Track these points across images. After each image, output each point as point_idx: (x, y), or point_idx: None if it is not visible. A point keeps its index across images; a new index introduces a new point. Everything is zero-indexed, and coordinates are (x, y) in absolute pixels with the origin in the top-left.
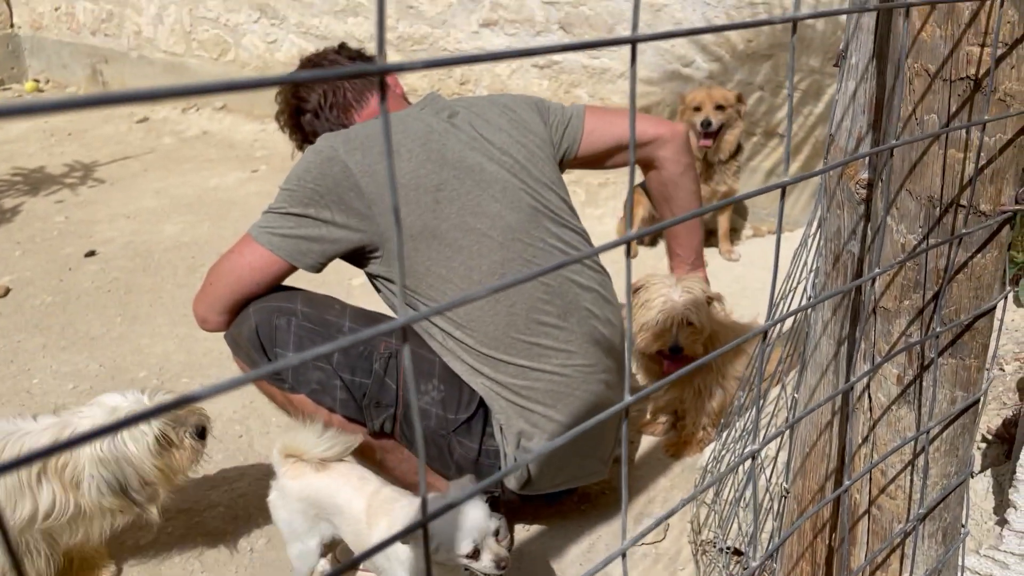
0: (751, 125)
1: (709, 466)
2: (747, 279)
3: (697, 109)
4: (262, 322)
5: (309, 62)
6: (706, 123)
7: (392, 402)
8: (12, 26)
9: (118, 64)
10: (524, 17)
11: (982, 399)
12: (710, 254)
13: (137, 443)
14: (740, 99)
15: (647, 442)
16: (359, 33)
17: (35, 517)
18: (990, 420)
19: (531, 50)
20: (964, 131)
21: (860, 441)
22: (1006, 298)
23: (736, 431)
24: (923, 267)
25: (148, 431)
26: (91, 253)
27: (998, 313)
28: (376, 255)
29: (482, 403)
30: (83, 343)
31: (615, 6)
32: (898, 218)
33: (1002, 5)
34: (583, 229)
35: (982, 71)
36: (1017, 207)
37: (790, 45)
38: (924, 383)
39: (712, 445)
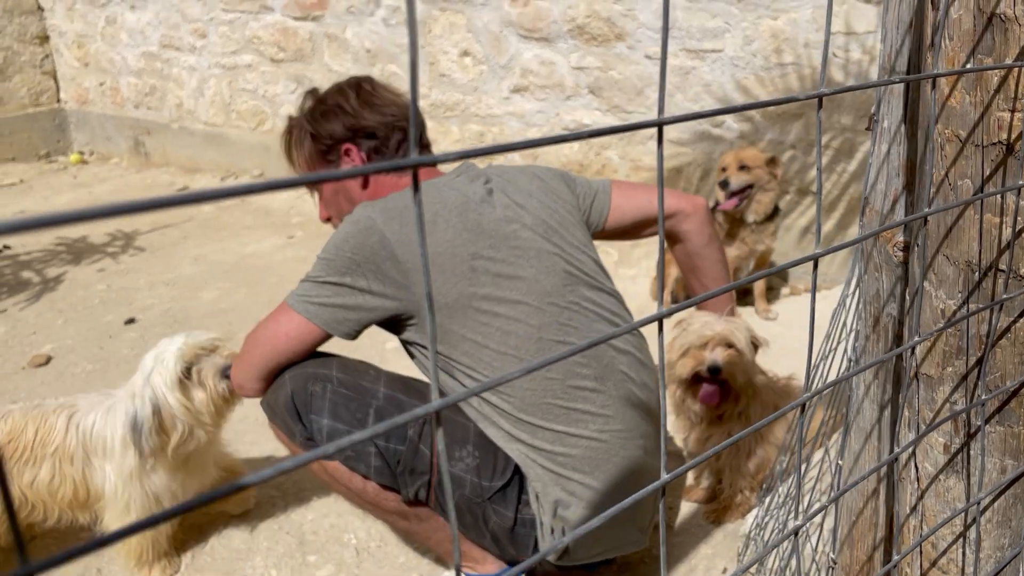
0: (784, 183)
1: (752, 533)
2: (784, 338)
3: (723, 170)
4: (297, 389)
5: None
6: (724, 183)
7: (426, 469)
8: (59, 101)
9: (160, 135)
10: (554, 82)
11: None
12: (746, 313)
13: (163, 377)
14: (774, 161)
15: (687, 507)
16: None
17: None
18: None
19: (563, 137)
20: (1001, 196)
21: (908, 512)
22: None
23: (779, 496)
24: (964, 333)
25: (173, 366)
26: (131, 320)
27: None
28: (412, 322)
29: (517, 470)
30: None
31: (643, 70)
32: (936, 283)
33: (1020, 72)
34: (617, 291)
35: (1014, 135)
36: None
37: (816, 119)
38: (972, 452)
39: (755, 511)
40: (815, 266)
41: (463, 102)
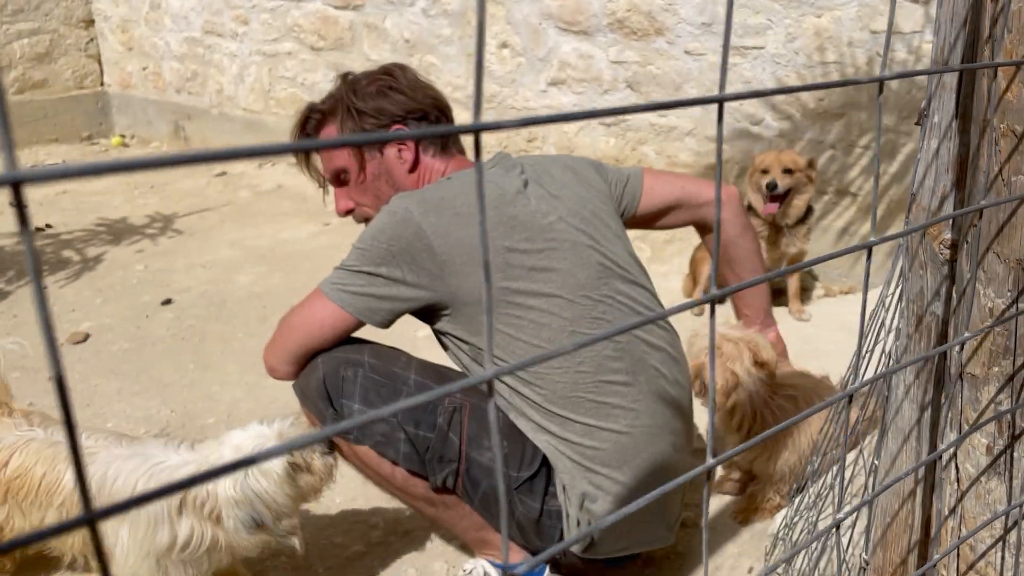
0: (823, 184)
1: (780, 533)
2: (817, 340)
3: (765, 172)
4: (329, 373)
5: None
6: (772, 185)
7: (455, 457)
8: (102, 84)
9: (200, 121)
10: (592, 76)
11: None
12: (780, 314)
13: (267, 477)
14: (811, 164)
15: (714, 505)
16: None
17: (173, 546)
18: None
19: (622, 109)
20: None
21: (948, 513)
22: None
23: (810, 497)
24: (1013, 332)
25: (276, 463)
26: (167, 301)
27: None
28: (446, 313)
29: (545, 461)
30: (156, 389)
31: (682, 66)
32: (985, 281)
33: None
34: (651, 285)
35: None
36: None
37: (876, 104)
38: (1016, 453)
39: (783, 511)
40: (869, 254)
41: (500, 94)
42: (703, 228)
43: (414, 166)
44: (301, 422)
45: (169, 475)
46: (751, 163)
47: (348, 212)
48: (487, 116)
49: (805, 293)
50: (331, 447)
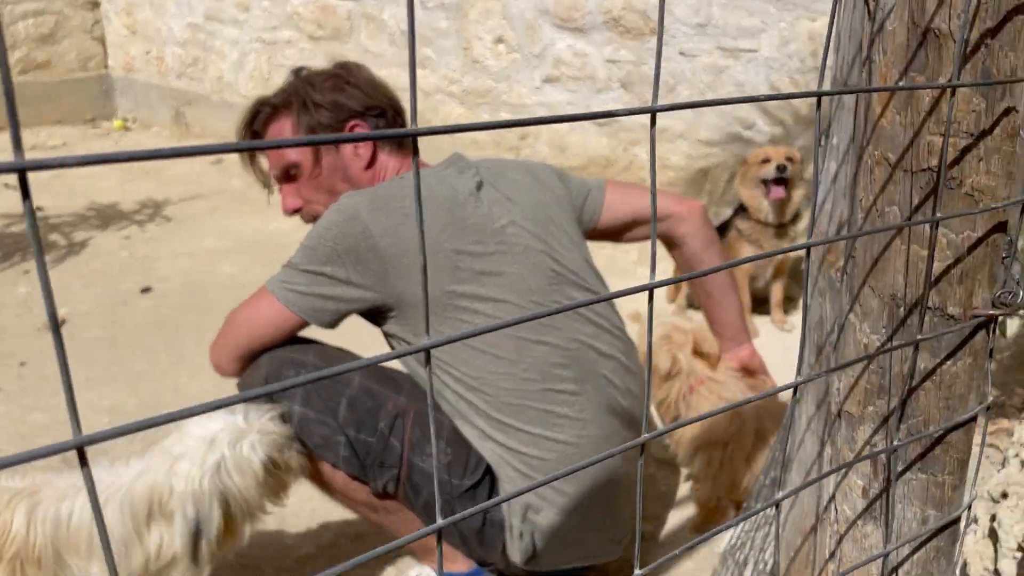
0: (810, 190)
1: (727, 551)
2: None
3: (766, 161)
4: (272, 373)
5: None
6: (782, 167)
7: (396, 463)
8: (106, 67)
9: (200, 106)
10: (586, 74)
11: (964, 521)
12: (762, 322)
13: (244, 474)
14: (802, 162)
15: (674, 519)
16: (425, 85)
17: (147, 563)
18: None
19: (551, 118)
20: (928, 227)
21: (827, 556)
22: (988, 411)
23: (756, 519)
24: (887, 371)
25: (255, 460)
26: (147, 289)
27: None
28: (392, 314)
29: (489, 470)
30: (126, 378)
31: (676, 67)
32: (861, 316)
33: (953, 94)
34: (607, 291)
35: (945, 162)
36: (993, 312)
37: (815, 119)
38: (892, 498)
39: (733, 531)
40: (807, 254)
41: (495, 90)
42: (669, 242)
43: (371, 162)
44: (276, 418)
45: (126, 493)
46: (743, 163)
47: (296, 211)
48: (482, 112)
49: (791, 302)
50: (301, 442)
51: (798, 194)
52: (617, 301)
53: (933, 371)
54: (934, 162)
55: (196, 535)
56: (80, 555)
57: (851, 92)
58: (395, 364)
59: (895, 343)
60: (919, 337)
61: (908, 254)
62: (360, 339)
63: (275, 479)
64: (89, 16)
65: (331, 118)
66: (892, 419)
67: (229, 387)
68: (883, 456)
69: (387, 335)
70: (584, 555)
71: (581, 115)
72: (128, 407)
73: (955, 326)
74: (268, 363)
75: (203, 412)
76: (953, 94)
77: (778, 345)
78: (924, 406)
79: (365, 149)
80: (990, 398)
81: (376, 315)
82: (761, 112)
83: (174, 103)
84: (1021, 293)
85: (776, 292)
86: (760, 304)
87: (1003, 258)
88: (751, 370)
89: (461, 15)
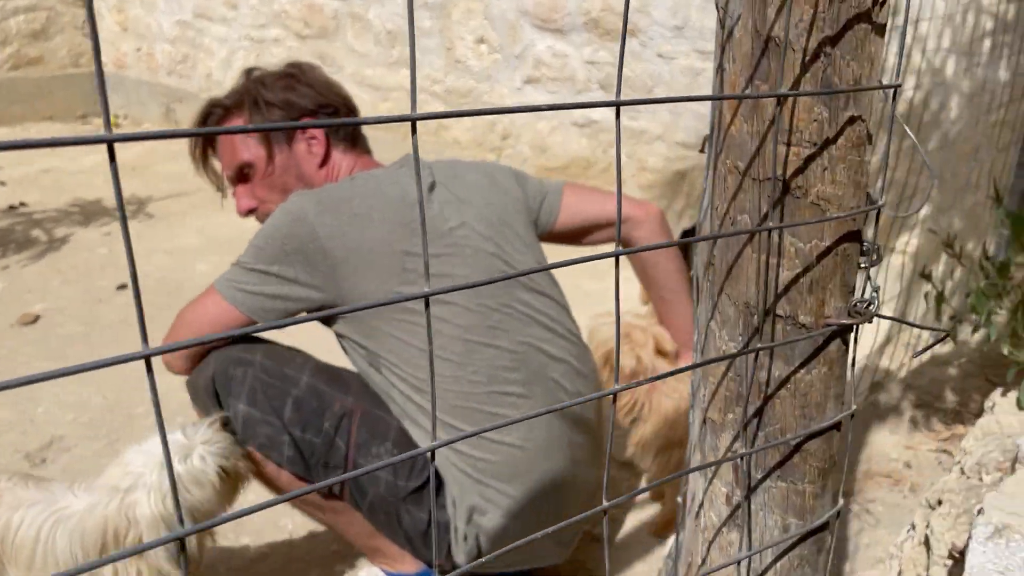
0: None
1: (669, 555)
2: None
3: None
4: (219, 371)
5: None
6: None
7: (341, 464)
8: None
9: (190, 104)
10: (566, 75)
11: (833, 530)
12: None
13: (201, 488)
14: None
15: (632, 521)
16: (408, 84)
17: None
18: (957, 536)
19: (509, 108)
20: (777, 236)
21: (699, 563)
22: (852, 418)
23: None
24: (744, 379)
25: (208, 469)
26: (123, 286)
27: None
28: (341, 315)
29: (436, 472)
30: (95, 375)
31: (655, 69)
32: (720, 323)
33: (795, 103)
34: (562, 299)
35: (790, 171)
36: (849, 320)
37: (616, 127)
38: (752, 506)
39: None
40: (616, 262)
41: (476, 90)
42: (626, 246)
43: (324, 160)
44: (217, 427)
45: (77, 521)
46: None
47: (251, 211)
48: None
49: None
50: (243, 442)
51: None
52: (588, 303)
53: (787, 379)
54: (779, 171)
55: (178, 555)
56: (19, 568)
57: (636, 103)
58: (346, 364)
59: (749, 352)
60: (759, 346)
61: (759, 263)
62: (311, 338)
63: (228, 485)
64: (81, 13)
65: (282, 116)
66: (750, 427)
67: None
68: (743, 464)
69: (338, 335)
70: (529, 558)
71: (546, 106)
72: (94, 403)
73: (807, 335)
74: (215, 362)
75: None
76: (795, 103)
77: None
78: (780, 414)
79: (319, 146)
80: (853, 406)
81: (326, 316)
82: None
83: (164, 100)
84: (876, 302)
85: None
86: None
87: (859, 266)
88: None
89: (444, 15)
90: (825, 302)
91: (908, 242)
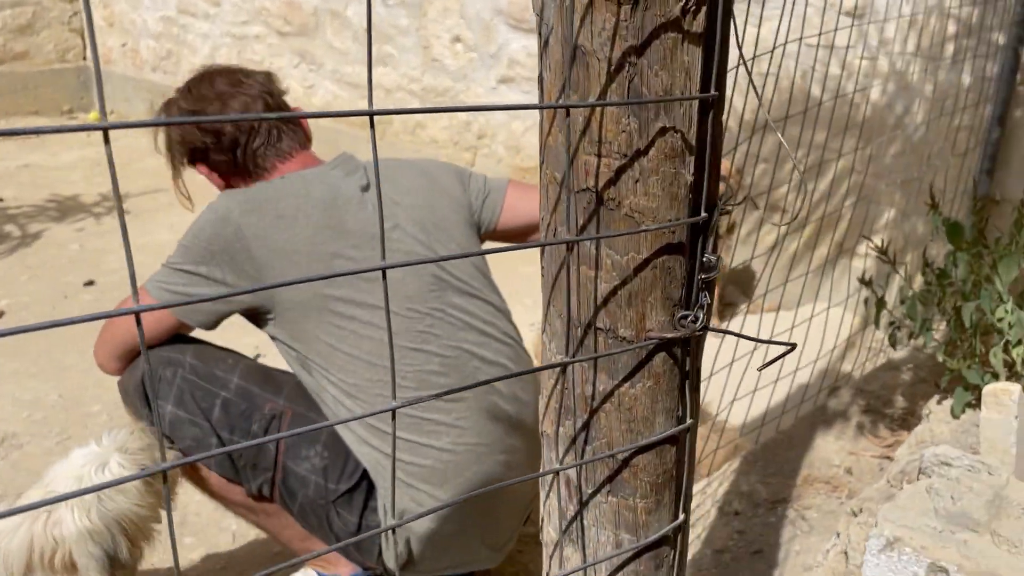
0: (756, 197)
1: None
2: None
3: None
4: (148, 372)
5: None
6: None
7: (270, 466)
8: (84, 59)
9: None
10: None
11: (676, 544)
12: None
13: (125, 494)
14: (740, 172)
15: None
16: (387, 83)
17: None
18: None
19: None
20: (595, 248)
21: None
22: (689, 432)
23: None
24: (571, 392)
25: (127, 475)
26: (90, 283)
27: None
28: (270, 317)
29: (366, 475)
30: (52, 372)
31: None
32: (550, 335)
33: (602, 114)
34: (499, 301)
35: (601, 183)
36: (672, 334)
37: (371, 138)
38: (585, 521)
39: None
40: (384, 275)
41: (452, 89)
42: None
43: (227, 185)
44: (139, 432)
45: (3, 544)
46: None
47: None
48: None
49: (731, 308)
50: (172, 442)
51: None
52: (527, 287)
53: (611, 393)
54: (591, 182)
55: (111, 567)
56: None
57: (390, 113)
58: (281, 364)
59: (572, 364)
60: (565, 359)
61: (578, 275)
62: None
63: (156, 487)
64: (67, 7)
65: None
66: (579, 440)
67: None
68: (575, 478)
69: (271, 337)
70: (461, 562)
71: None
72: (50, 400)
73: (628, 348)
74: (145, 362)
75: None
76: (602, 114)
77: (709, 354)
78: (606, 428)
79: (216, 179)
80: (688, 420)
81: (255, 317)
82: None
83: (149, 96)
84: (702, 317)
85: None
86: None
87: (685, 281)
88: None
89: (421, 13)
90: (646, 315)
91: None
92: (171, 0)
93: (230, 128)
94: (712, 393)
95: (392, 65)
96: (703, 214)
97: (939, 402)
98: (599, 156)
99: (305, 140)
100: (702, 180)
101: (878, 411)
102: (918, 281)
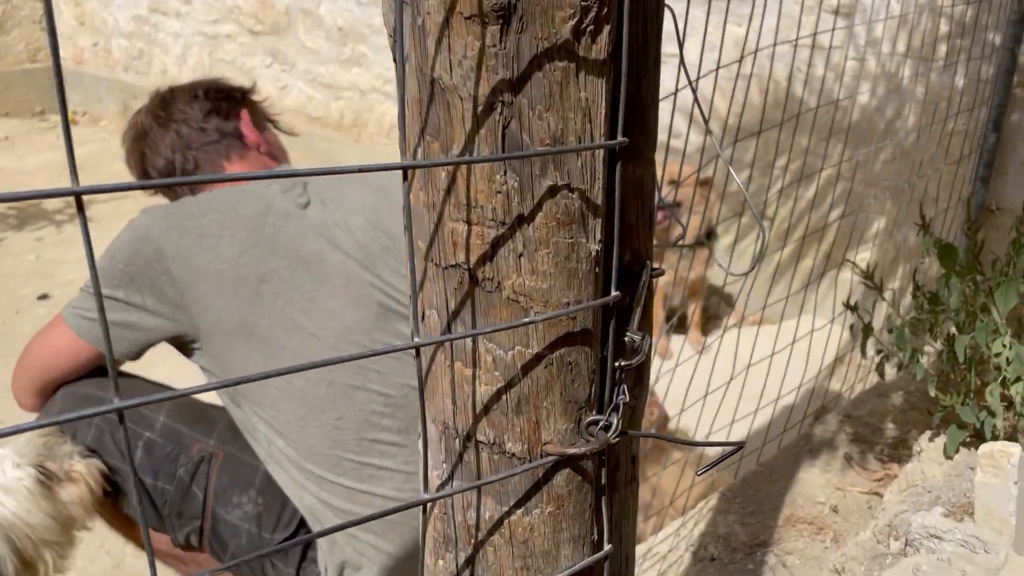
0: (738, 205)
1: None
2: (707, 374)
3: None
4: (65, 411)
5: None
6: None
7: (198, 514)
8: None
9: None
10: None
11: None
12: (678, 343)
13: (14, 495)
14: (706, 182)
15: None
16: (361, 84)
17: None
18: None
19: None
20: (470, 341)
21: None
22: (608, 560)
23: None
24: (451, 519)
25: (25, 476)
26: (44, 296)
27: None
28: (196, 346)
29: (304, 523)
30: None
31: None
32: (427, 445)
33: (469, 170)
34: None
35: (474, 257)
36: (575, 450)
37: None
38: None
39: None
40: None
41: None
42: None
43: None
44: (36, 438)
45: None
46: None
47: None
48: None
49: (716, 321)
50: (92, 450)
51: (696, 219)
52: None
53: (500, 522)
54: (462, 257)
55: (27, 564)
56: None
57: (255, 178)
58: (214, 399)
59: (455, 484)
60: (429, 494)
61: (453, 373)
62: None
63: (62, 496)
64: (38, 6)
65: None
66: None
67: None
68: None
69: (202, 369)
70: None
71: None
72: None
73: (518, 467)
74: (63, 400)
75: None
76: (469, 170)
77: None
78: (495, 566)
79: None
80: (606, 547)
81: (181, 347)
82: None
83: (121, 96)
84: (616, 423)
85: (693, 312)
86: (678, 325)
87: (594, 377)
88: None
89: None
90: (540, 424)
91: (863, 257)
92: None
93: (169, 154)
94: (687, 420)
95: (366, 66)
96: (614, 292)
97: (931, 439)
98: (469, 223)
99: (243, 148)
100: (613, 249)
101: (867, 440)
102: (908, 301)
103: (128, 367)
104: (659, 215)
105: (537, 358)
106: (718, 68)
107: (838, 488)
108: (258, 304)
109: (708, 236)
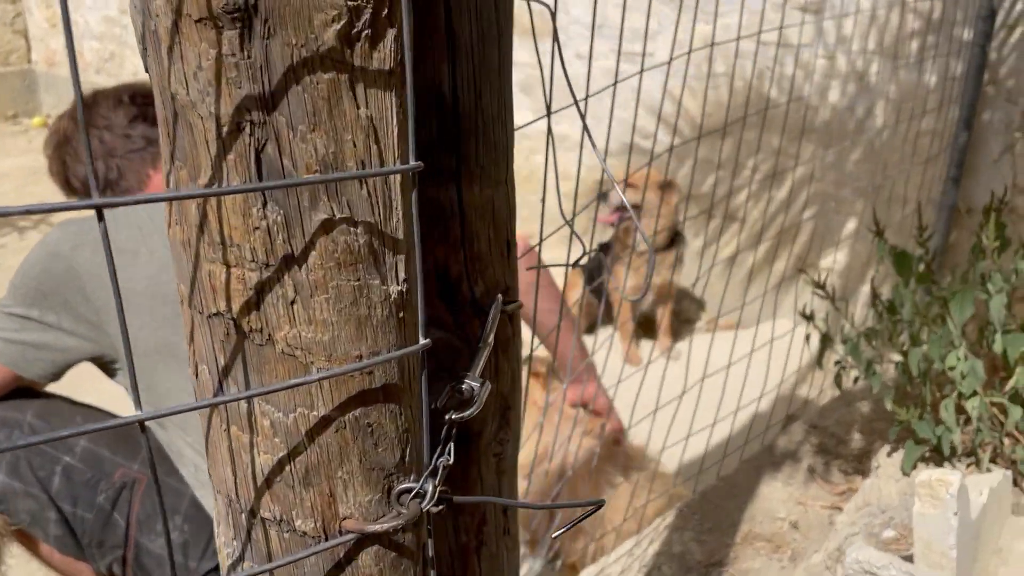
0: (711, 207)
1: None
2: (678, 380)
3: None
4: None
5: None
6: (603, 195)
7: (120, 543)
8: (29, 62)
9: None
10: None
11: None
12: (648, 349)
13: None
14: (670, 185)
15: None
16: None
17: None
18: None
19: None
20: (244, 403)
21: None
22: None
23: None
24: None
25: None
26: None
27: None
28: (117, 367)
29: None
30: None
31: (572, 71)
32: (217, 519)
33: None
34: None
35: (236, 305)
36: (378, 526)
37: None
38: None
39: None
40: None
41: None
42: None
43: None
44: None
45: None
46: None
47: None
48: None
49: (687, 325)
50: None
51: (660, 222)
52: None
53: None
54: (223, 304)
55: None
56: None
57: (126, 203)
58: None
59: (244, 568)
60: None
61: (230, 439)
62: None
63: None
64: (10, 8)
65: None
66: None
67: None
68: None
69: (126, 390)
70: None
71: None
72: None
73: (312, 546)
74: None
75: None
76: (219, 203)
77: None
78: None
79: None
80: None
81: (102, 367)
82: (660, 121)
83: None
84: (430, 492)
85: (662, 317)
86: (647, 330)
87: (406, 437)
88: (596, 410)
89: None
90: (336, 497)
91: (835, 259)
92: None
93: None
94: (641, 432)
95: None
96: (423, 340)
97: (889, 454)
98: (227, 265)
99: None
100: (417, 290)
101: (832, 451)
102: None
103: (53, 387)
104: (613, 217)
105: (325, 421)
106: (670, 61)
107: (800, 503)
108: (176, 324)
109: (674, 240)
